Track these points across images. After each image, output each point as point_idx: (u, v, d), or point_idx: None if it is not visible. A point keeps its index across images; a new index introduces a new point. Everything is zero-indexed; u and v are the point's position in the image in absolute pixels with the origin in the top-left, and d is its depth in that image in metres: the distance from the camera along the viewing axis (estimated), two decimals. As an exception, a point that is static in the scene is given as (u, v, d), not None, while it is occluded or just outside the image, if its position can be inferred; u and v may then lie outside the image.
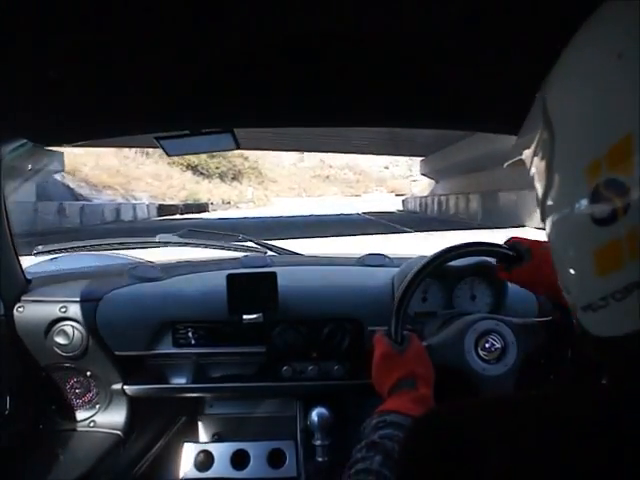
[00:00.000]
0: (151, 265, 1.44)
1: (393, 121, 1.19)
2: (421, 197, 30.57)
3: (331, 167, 68.67)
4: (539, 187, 0.43)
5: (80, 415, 1.36)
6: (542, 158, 0.42)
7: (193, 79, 0.90)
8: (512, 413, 0.36)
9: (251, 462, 1.37)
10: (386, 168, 71.86)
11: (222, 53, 0.79)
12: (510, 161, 0.53)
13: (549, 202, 0.41)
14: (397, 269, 1.33)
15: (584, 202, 0.36)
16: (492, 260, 1.22)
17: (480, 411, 0.38)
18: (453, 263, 1.03)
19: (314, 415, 1.27)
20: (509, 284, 1.24)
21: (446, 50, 0.77)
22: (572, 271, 0.39)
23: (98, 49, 0.74)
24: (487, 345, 0.93)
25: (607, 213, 0.34)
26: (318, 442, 1.27)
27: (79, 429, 1.35)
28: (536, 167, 0.43)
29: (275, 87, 0.94)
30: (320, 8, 0.66)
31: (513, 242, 0.94)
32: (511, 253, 0.92)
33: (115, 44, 0.73)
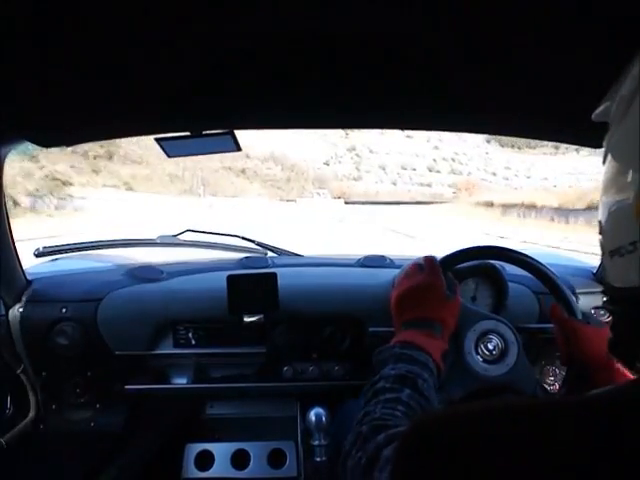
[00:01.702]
0: (151, 265, 1.44)
1: (398, 124, 1.18)
2: None
3: (249, 157, 46.69)
4: (612, 131, 0.44)
5: (81, 415, 1.36)
6: (622, 103, 0.43)
7: (194, 81, 0.89)
8: (511, 421, 0.36)
9: (251, 462, 1.37)
10: (326, 164, 53.58)
11: (222, 55, 0.79)
12: (597, 111, 0.52)
13: (614, 140, 0.43)
14: (397, 270, 1.33)
15: None
16: (497, 263, 1.22)
17: (477, 418, 0.38)
18: None
19: (312, 415, 1.27)
20: (510, 285, 1.24)
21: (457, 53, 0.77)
22: (613, 212, 0.41)
23: (98, 50, 0.74)
24: (488, 345, 0.94)
25: None
26: (317, 442, 1.27)
27: (80, 429, 1.35)
28: (615, 109, 0.44)
29: (275, 89, 0.94)
30: (321, 9, 0.66)
31: (589, 314, 0.93)
32: (578, 315, 0.90)
33: (115, 45, 0.73)
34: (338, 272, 1.46)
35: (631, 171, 0.38)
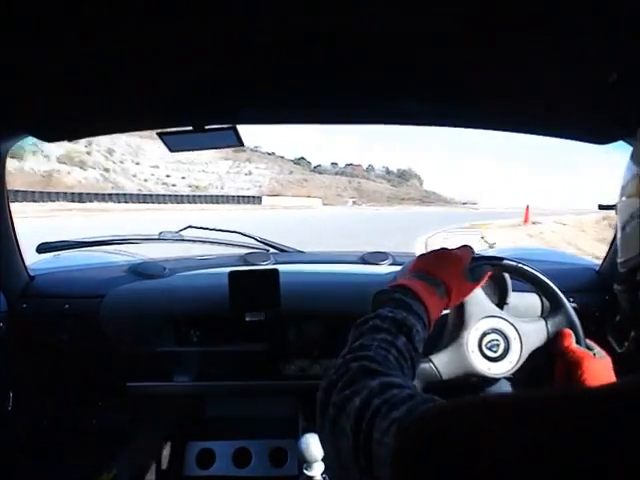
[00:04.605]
0: (154, 262, 1.44)
1: (399, 119, 1.18)
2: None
3: None
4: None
5: (83, 412, 1.36)
6: None
7: (196, 76, 0.89)
8: (508, 415, 0.35)
9: (253, 460, 1.37)
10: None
11: (224, 51, 0.79)
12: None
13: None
14: (399, 267, 1.33)
15: None
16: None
17: (474, 412, 0.37)
18: None
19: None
20: (511, 282, 1.24)
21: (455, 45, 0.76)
22: (625, 191, 0.50)
23: (101, 46, 0.74)
24: (492, 343, 0.93)
25: None
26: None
27: (82, 426, 1.35)
28: None
29: (277, 85, 0.94)
30: (322, 7, 0.65)
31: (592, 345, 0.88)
32: (582, 344, 0.86)
33: (118, 41, 0.73)
34: (340, 269, 1.45)
35: None
